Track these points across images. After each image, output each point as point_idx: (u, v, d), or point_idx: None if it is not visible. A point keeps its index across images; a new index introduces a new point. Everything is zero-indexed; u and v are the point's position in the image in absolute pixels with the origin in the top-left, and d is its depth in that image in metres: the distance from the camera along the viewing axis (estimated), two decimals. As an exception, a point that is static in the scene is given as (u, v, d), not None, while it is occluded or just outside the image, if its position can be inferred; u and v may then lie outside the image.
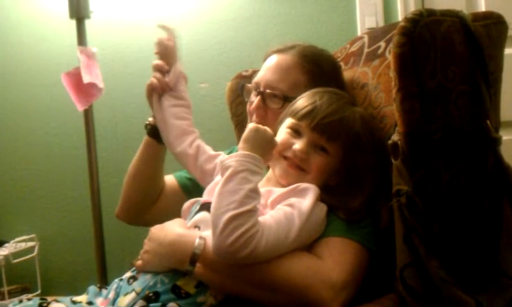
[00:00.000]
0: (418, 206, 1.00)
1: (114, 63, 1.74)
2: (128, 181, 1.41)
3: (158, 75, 1.32)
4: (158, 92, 1.32)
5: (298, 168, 1.10)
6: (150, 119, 1.37)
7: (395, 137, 1.03)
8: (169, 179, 1.44)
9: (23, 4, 2.05)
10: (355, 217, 1.07)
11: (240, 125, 1.55)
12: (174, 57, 1.33)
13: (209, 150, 1.30)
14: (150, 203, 1.41)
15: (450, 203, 1.02)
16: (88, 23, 1.69)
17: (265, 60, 1.34)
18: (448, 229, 1.02)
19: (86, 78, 1.50)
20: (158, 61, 1.33)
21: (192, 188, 1.39)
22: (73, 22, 1.67)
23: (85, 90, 1.51)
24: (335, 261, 1.02)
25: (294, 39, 1.37)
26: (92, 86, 1.51)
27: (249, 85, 1.36)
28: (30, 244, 1.99)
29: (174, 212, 1.23)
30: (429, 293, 0.98)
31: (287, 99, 1.24)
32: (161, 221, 1.16)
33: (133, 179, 1.40)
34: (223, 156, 1.25)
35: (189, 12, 1.98)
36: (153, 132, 1.35)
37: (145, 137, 1.38)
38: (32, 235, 2.01)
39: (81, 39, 1.64)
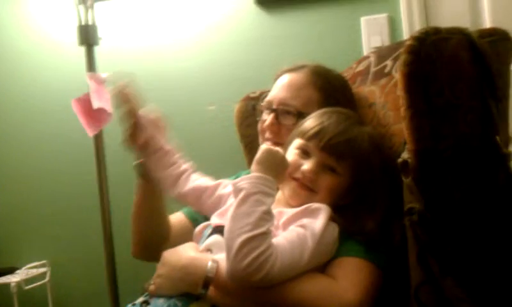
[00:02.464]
0: (430, 224, 1.00)
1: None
2: (133, 222, 1.37)
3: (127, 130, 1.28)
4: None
5: (307, 189, 1.10)
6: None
7: (405, 155, 1.03)
8: (178, 215, 1.41)
9: (31, 34, 2.09)
10: (369, 237, 1.07)
11: (249, 147, 1.56)
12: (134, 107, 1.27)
13: (207, 182, 1.26)
14: (160, 241, 1.34)
15: (463, 219, 1.02)
16: (96, 49, 1.72)
17: (276, 80, 1.35)
18: (461, 246, 1.01)
19: (96, 104, 1.51)
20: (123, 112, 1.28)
21: (202, 220, 1.37)
22: (82, 49, 1.69)
23: (95, 115, 1.52)
24: (349, 281, 1.01)
25: (301, 60, 1.38)
26: (102, 111, 1.52)
27: (262, 104, 1.36)
28: (42, 270, 2.00)
29: None
30: (444, 312, 0.98)
31: (301, 115, 1.24)
32: None
33: (136, 219, 1.36)
34: (223, 184, 1.24)
35: (196, 36, 2.01)
36: (142, 172, 1.31)
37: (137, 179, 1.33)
38: (44, 261, 2.01)
39: (90, 65, 1.66)
